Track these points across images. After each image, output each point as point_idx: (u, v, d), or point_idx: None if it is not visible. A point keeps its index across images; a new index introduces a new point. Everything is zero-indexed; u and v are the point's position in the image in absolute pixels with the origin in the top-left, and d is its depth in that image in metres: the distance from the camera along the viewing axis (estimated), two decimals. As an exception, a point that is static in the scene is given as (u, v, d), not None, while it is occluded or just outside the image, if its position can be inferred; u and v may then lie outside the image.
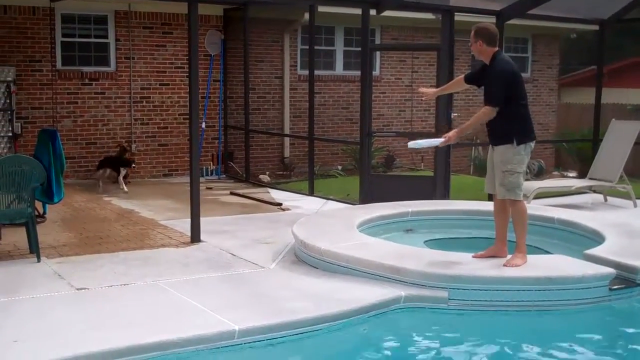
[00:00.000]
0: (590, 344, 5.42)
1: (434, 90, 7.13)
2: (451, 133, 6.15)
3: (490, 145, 6.45)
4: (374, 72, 14.20)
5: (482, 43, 6.20)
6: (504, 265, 6.13)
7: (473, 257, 6.36)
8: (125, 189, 10.95)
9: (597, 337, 5.64)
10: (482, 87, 6.40)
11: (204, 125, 12.92)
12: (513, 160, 6.14)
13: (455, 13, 10.16)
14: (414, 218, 8.35)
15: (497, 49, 6.26)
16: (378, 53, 15.10)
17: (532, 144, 6.27)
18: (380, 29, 15.03)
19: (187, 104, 7.97)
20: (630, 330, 5.81)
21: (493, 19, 10.48)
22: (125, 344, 4.73)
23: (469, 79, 6.65)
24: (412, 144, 6.22)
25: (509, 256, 6.26)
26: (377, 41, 14.87)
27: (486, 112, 6.11)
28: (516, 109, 6.16)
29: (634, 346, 5.41)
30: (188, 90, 7.92)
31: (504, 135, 6.15)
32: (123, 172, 11.25)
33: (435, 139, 5.84)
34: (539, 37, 17.37)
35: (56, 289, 5.97)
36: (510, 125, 6.13)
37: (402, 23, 14.82)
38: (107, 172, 11.33)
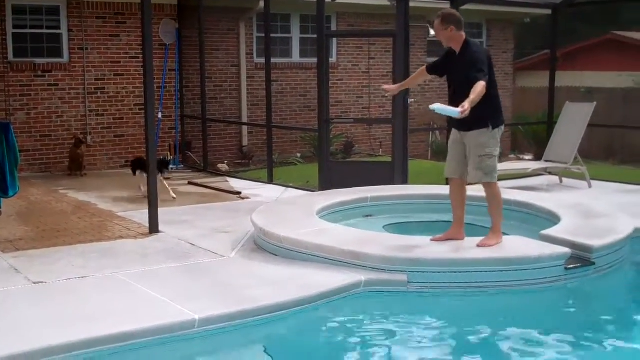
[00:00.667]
0: (546, 322, 5.52)
1: (396, 85, 7.06)
2: (466, 104, 5.74)
3: (453, 130, 6.47)
4: (330, 59, 14.23)
5: (453, 28, 6.16)
6: (478, 245, 6.19)
7: (431, 240, 6.42)
8: (173, 195, 9.71)
9: (553, 315, 5.74)
10: (447, 75, 6.41)
11: (160, 115, 12.80)
12: (489, 144, 6.20)
13: (411, -1, 10.19)
14: (373, 203, 8.39)
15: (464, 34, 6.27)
16: (334, 40, 15.10)
17: (503, 128, 6.35)
18: (336, 16, 15.03)
19: (143, 94, 7.88)
20: (586, 308, 5.93)
21: (448, 4, 10.55)
22: (84, 337, 4.68)
23: (432, 70, 6.60)
24: (434, 106, 6.04)
25: (484, 236, 6.31)
26: (333, 28, 14.87)
27: (484, 86, 5.88)
28: (490, 93, 6.08)
29: (589, 323, 5.51)
30: (143, 81, 7.83)
31: (479, 120, 6.10)
32: (164, 174, 9.86)
33: (453, 109, 5.79)
34: (494, 22, 17.54)
35: (13, 283, 5.87)
36: (484, 109, 6.02)
37: (358, 10, 14.86)
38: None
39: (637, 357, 4.91)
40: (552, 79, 12.29)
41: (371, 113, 15.53)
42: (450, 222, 6.65)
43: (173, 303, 5.32)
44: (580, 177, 10.67)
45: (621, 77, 20.13)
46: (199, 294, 5.58)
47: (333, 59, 14.89)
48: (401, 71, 9.93)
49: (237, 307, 5.24)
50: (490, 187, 6.31)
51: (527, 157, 14.95)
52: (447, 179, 6.70)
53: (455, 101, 6.04)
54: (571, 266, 6.18)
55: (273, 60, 11.86)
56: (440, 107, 5.84)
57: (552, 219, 7.26)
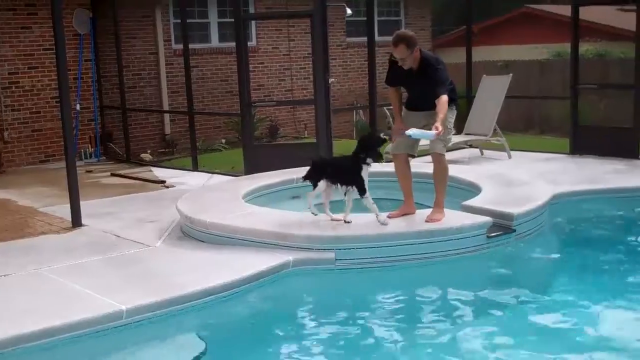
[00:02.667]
0: (470, 290, 5.66)
1: (399, 121, 6.61)
2: (438, 126, 5.95)
3: (410, 113, 6.53)
4: (250, 43, 14.16)
5: (418, 49, 6.21)
6: (426, 221, 6.28)
7: (388, 217, 6.44)
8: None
9: (476, 282, 5.89)
10: (405, 87, 6.53)
11: (78, 107, 12.52)
12: (449, 118, 6.37)
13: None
14: (300, 184, 8.39)
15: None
16: (254, 23, 15.01)
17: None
18: (253, -1, 14.94)
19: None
20: (508, 273, 6.10)
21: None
22: (10, 334, 4.59)
23: (394, 84, 6.58)
24: (410, 132, 6.18)
25: (429, 212, 6.41)
26: (252, 11, 14.77)
27: (447, 101, 6.11)
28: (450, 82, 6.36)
29: (510, 288, 5.67)
30: (57, 73, 7.65)
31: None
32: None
33: (429, 132, 5.99)
34: (411, 0, 17.72)
35: None
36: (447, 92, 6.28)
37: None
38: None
39: (554, 316, 5.07)
40: (469, 54, 12.51)
41: (294, 95, 15.53)
42: (373, 198, 6.72)
43: (100, 295, 5.25)
44: (500, 148, 10.93)
45: (537, 49, 20.62)
46: (126, 285, 5.52)
47: (253, 43, 14.81)
48: (320, 51, 9.95)
49: (166, 295, 5.20)
50: (442, 161, 6.47)
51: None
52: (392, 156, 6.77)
53: (417, 104, 6.44)
54: (493, 234, 6.35)
55: (191, 46, 11.73)
56: (417, 132, 6.08)
57: (474, 189, 7.42)
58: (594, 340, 4.66)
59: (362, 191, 6.18)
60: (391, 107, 13.87)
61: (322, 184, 6.28)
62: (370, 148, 6.20)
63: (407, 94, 6.66)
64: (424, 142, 6.67)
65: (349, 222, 6.29)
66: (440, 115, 6.00)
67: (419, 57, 6.22)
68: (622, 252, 6.52)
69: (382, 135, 6.58)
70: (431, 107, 6.23)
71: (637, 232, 7.06)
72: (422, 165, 8.08)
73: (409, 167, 6.70)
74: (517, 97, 12.86)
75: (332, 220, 6.36)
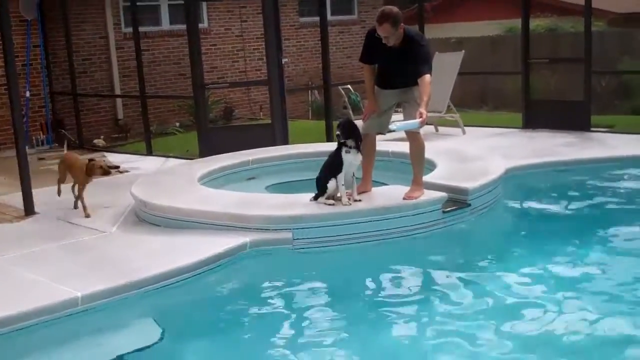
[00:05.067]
0: (427, 265, 5.73)
1: (372, 101, 6.58)
2: (423, 111, 5.92)
3: (383, 91, 6.48)
4: (202, 25, 13.99)
5: (402, 25, 6.12)
6: (404, 198, 6.26)
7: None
8: None
9: (433, 257, 5.95)
10: (382, 62, 6.38)
11: (28, 94, 12.27)
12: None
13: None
14: (256, 166, 8.38)
15: None
16: (205, 5, 14.83)
17: None
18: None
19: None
20: (463, 247, 6.18)
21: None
22: (-39, 326, 4.52)
23: (370, 61, 6.47)
24: (392, 126, 6.16)
25: (408, 189, 6.39)
26: (203, -8, 14.59)
27: (430, 82, 6.05)
28: None
29: (466, 262, 5.77)
30: (4, 59, 7.49)
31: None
32: None
33: (413, 121, 5.93)
34: (363, -22, 17.69)
35: None
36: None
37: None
38: None
39: (509, 288, 5.16)
40: (421, 32, 12.51)
41: (248, 77, 15.41)
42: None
43: (54, 283, 5.17)
44: (455, 124, 11.01)
45: (490, 25, 20.76)
46: (81, 272, 5.45)
47: (204, 25, 14.64)
48: (273, 32, 9.90)
49: (121, 281, 5.15)
50: (418, 138, 6.46)
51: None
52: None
53: (390, 80, 6.37)
54: (448, 209, 6.40)
55: (142, 29, 11.59)
56: (401, 125, 6.05)
57: (429, 166, 7.44)
58: (549, 308, 4.74)
59: None
60: (346, 86, 13.89)
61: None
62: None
63: (381, 71, 6.49)
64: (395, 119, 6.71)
65: (358, 201, 6.25)
66: (425, 98, 5.91)
67: (402, 34, 6.14)
68: (572, 221, 6.66)
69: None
70: (406, 83, 6.25)
71: (586, 201, 7.19)
72: (381, 144, 8.13)
73: (374, 146, 6.70)
74: (470, 74, 12.94)
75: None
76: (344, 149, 6.16)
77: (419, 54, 6.10)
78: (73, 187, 7.51)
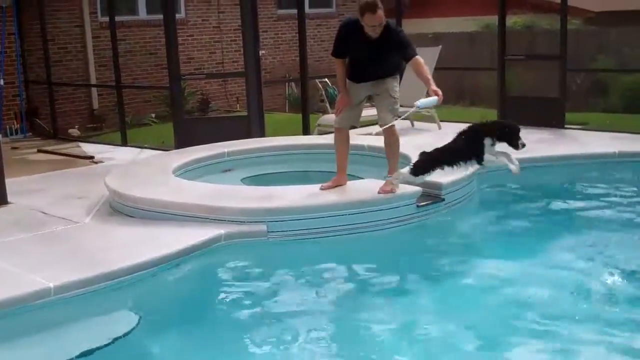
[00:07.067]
0: (401, 259, 5.78)
1: (346, 94, 6.54)
2: (436, 89, 5.99)
3: (355, 85, 6.46)
4: (179, 15, 13.91)
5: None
6: (379, 192, 6.29)
7: (320, 189, 6.47)
8: None
9: (407, 251, 6.01)
10: (358, 55, 6.34)
11: (1, 82, 12.13)
12: (397, 89, 6.45)
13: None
14: (231, 158, 8.37)
15: None
16: (182, -5, 14.75)
17: None
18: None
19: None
20: (437, 241, 6.21)
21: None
22: None
23: (343, 55, 6.42)
24: (419, 103, 6.09)
25: (383, 183, 6.42)
26: (180, -17, 14.51)
27: (421, 61, 6.15)
28: None
29: (438, 256, 5.83)
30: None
31: (393, 69, 6.42)
32: None
33: (432, 98, 5.97)
34: (342, -29, 17.67)
35: None
36: (395, 60, 6.41)
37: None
38: None
39: (481, 279, 5.25)
40: (399, 26, 12.52)
41: (225, 68, 15.36)
42: (307, 171, 6.76)
43: (27, 273, 5.14)
44: (431, 120, 11.04)
45: (468, 21, 20.85)
46: (54, 262, 5.41)
47: (182, 15, 14.55)
48: (250, 23, 9.88)
49: (95, 271, 5.13)
50: (394, 133, 6.50)
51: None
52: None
53: (364, 73, 6.36)
54: (422, 204, 6.44)
55: (118, 18, 11.47)
56: (423, 102, 6.03)
57: (404, 160, 7.46)
58: (522, 301, 4.81)
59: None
60: (323, 79, 13.85)
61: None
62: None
63: (354, 64, 6.44)
64: (367, 114, 6.74)
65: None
66: (428, 76, 6.03)
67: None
68: (545, 216, 6.74)
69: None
70: (380, 75, 6.29)
71: (559, 197, 7.27)
72: (356, 138, 8.14)
73: (348, 140, 6.71)
74: (447, 69, 12.93)
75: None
76: (488, 141, 5.99)
77: (402, 40, 6.15)
78: None
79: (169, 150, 9.67)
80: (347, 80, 6.49)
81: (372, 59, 6.31)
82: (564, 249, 5.82)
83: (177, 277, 5.41)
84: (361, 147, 8.07)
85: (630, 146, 8.62)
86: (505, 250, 5.87)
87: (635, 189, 7.51)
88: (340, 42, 6.38)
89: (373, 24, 6.03)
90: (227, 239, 5.88)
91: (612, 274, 5.23)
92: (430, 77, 6.03)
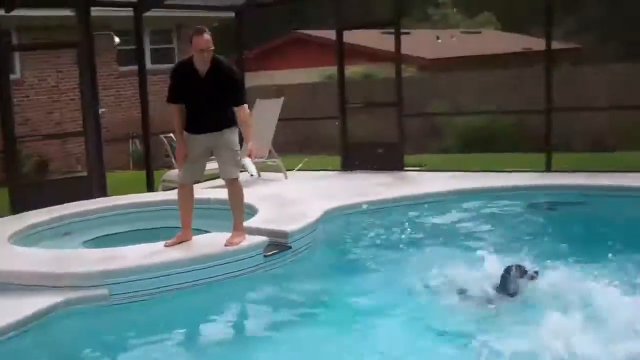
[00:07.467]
0: (247, 308, 5.79)
1: (184, 146, 6.40)
2: (251, 147, 6.17)
3: (194, 138, 6.35)
4: (14, 76, 13.40)
5: None
6: (225, 245, 6.23)
7: (165, 246, 6.33)
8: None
9: (254, 301, 6.03)
10: (192, 96, 6.27)
11: None
12: (236, 141, 6.42)
13: (92, 8, 9.90)
14: (71, 220, 8.06)
15: None
16: (17, 55, 14.22)
17: None
18: (18, 30, 14.11)
19: None
20: (285, 289, 6.19)
21: (130, 12, 10.42)
22: None
23: (179, 100, 6.33)
24: (246, 164, 6.28)
25: (229, 235, 6.37)
26: (15, 42, 13.95)
27: (248, 112, 6.19)
28: None
29: (286, 303, 5.84)
30: None
31: (229, 121, 6.33)
32: None
33: (251, 166, 6.16)
34: (184, 27, 17.65)
35: None
36: (230, 111, 6.30)
37: (42, 22, 14.08)
38: None
39: (328, 329, 5.26)
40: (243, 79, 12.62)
41: (64, 128, 14.87)
42: (151, 229, 6.62)
43: None
44: (277, 169, 11.14)
45: (311, 72, 21.41)
46: None
47: (17, 75, 14.02)
48: (89, 82, 9.67)
49: None
50: (236, 184, 6.50)
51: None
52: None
53: (200, 123, 6.29)
54: (269, 253, 6.45)
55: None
56: (246, 162, 6.29)
57: (251, 211, 7.49)
58: (369, 343, 4.90)
59: None
60: (168, 134, 13.64)
61: None
62: None
63: (190, 111, 6.34)
64: (211, 167, 6.72)
65: None
66: (249, 129, 6.19)
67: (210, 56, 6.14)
68: (386, 256, 6.85)
69: None
70: (216, 125, 6.27)
71: (399, 238, 7.39)
72: (201, 191, 8.08)
73: (192, 195, 6.63)
74: (290, 119, 13.16)
75: None
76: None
77: (235, 78, 6.22)
78: None
79: (4, 216, 9.18)
80: (186, 133, 6.42)
81: (207, 100, 6.24)
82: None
83: (9, 353, 4.99)
84: (206, 201, 8.00)
85: (461, 184, 9.13)
86: (349, 292, 5.99)
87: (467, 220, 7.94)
88: (173, 87, 6.33)
89: (201, 48, 6.04)
90: (67, 306, 5.57)
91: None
92: (250, 128, 6.20)
